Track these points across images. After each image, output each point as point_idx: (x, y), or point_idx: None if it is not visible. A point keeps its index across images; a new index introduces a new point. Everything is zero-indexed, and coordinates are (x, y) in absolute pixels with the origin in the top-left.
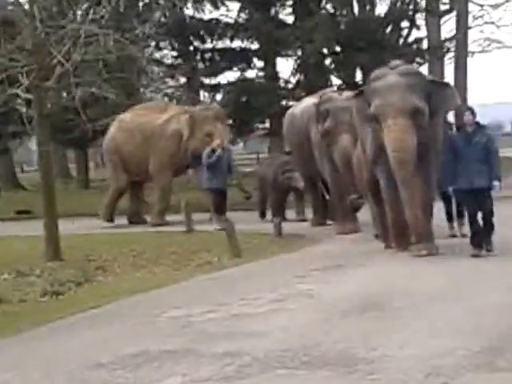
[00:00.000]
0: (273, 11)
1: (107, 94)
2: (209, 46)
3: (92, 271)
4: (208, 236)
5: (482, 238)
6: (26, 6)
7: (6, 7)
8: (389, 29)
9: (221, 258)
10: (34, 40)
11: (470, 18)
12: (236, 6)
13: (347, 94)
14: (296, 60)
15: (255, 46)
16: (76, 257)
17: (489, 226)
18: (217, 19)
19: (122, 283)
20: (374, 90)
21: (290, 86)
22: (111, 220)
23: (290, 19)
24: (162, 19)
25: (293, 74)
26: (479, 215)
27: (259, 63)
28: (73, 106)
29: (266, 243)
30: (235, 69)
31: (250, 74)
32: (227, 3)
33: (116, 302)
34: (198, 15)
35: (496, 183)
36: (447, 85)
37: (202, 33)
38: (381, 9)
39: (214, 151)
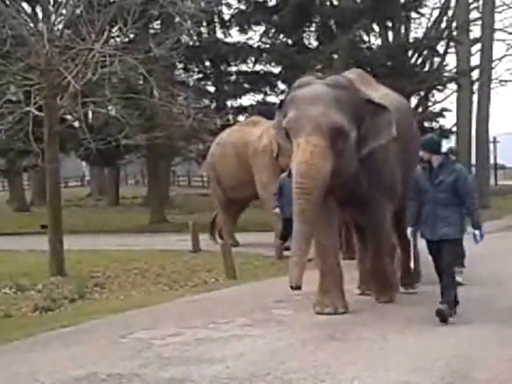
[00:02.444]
0: (296, 36)
1: (116, 114)
2: (234, 68)
3: (90, 288)
4: (212, 256)
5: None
6: (41, 24)
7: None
8: (410, 55)
9: (218, 278)
10: (44, 59)
11: (504, 47)
12: (261, 30)
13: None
14: None
15: (278, 69)
16: (80, 272)
17: (448, 283)
18: (242, 42)
19: (111, 301)
20: (291, 100)
21: None
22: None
23: (314, 44)
24: (185, 40)
25: None
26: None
27: (282, 86)
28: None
29: (266, 265)
30: (258, 91)
31: (274, 96)
32: (254, 27)
33: (91, 321)
34: (224, 38)
35: (476, 232)
36: (385, 108)
37: (227, 55)
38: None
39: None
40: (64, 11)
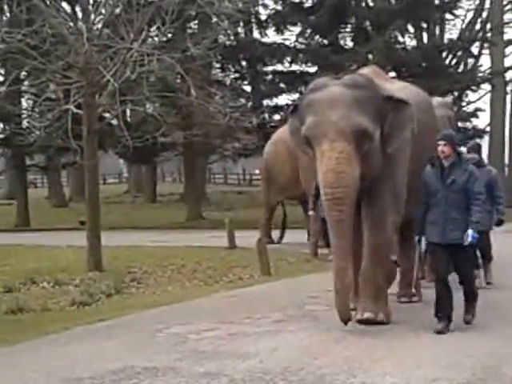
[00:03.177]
0: (332, 36)
1: (153, 112)
2: (270, 68)
3: (127, 283)
4: (247, 253)
5: (448, 308)
6: (80, 23)
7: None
8: (444, 56)
9: (253, 275)
10: (84, 58)
11: None
12: (297, 31)
13: (436, 99)
14: None
15: (313, 69)
16: (117, 268)
17: (469, 295)
18: (278, 43)
19: (148, 296)
20: (308, 105)
21: None
22: (269, 237)
23: (350, 44)
24: (222, 40)
25: None
26: (452, 278)
27: None
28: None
29: (301, 262)
30: (294, 91)
31: None
32: (290, 28)
33: (127, 315)
34: (261, 38)
35: (470, 232)
36: (405, 103)
37: (264, 55)
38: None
39: None
40: (103, 11)
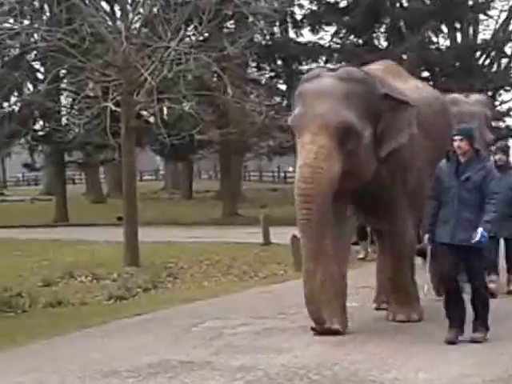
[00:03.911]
0: (366, 36)
1: (190, 110)
2: (305, 67)
3: (163, 278)
4: (281, 249)
5: (460, 316)
6: (119, 22)
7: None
8: (478, 56)
9: (287, 271)
10: (122, 57)
11: None
12: (332, 30)
13: (475, 96)
14: None
15: None
16: (154, 263)
17: (480, 302)
18: (313, 42)
19: (184, 291)
20: (298, 96)
21: None
22: None
23: (384, 44)
24: (258, 40)
25: None
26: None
27: None
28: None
29: None
30: None
31: None
32: (325, 28)
33: (164, 310)
34: (296, 38)
35: (479, 230)
36: (405, 103)
37: (299, 55)
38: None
39: None
40: (141, 10)
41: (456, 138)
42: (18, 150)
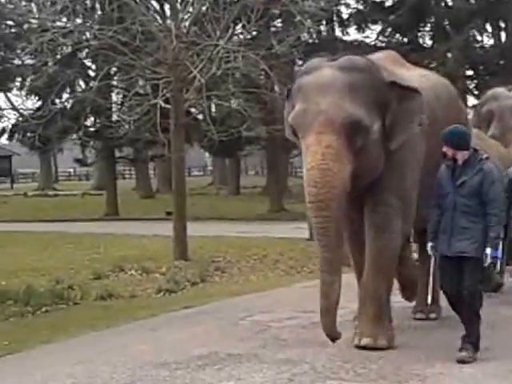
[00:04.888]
0: (411, 35)
1: (238, 107)
2: None
3: (211, 272)
4: None
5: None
6: (169, 21)
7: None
8: None
9: None
10: (172, 54)
11: None
12: (378, 29)
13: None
14: None
15: None
16: (202, 257)
17: (470, 314)
18: (359, 40)
19: (231, 285)
20: (298, 90)
21: None
22: None
23: (429, 43)
24: (304, 38)
25: None
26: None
27: None
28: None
29: None
30: None
31: None
32: (371, 26)
33: (212, 303)
34: (342, 37)
35: (488, 251)
36: (414, 91)
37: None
38: None
39: None
40: (191, 9)
41: (445, 149)
42: (69, 146)
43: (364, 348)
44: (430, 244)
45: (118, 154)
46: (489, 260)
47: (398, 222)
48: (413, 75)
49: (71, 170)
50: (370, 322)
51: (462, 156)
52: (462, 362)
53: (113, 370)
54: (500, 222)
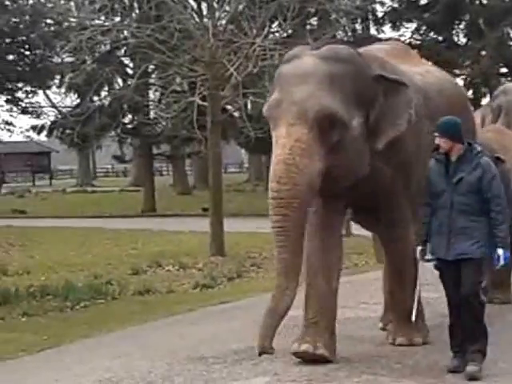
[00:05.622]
0: (446, 33)
1: None
2: None
3: (247, 267)
4: (363, 240)
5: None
6: (206, 19)
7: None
8: None
9: (368, 261)
10: (209, 52)
11: None
12: (412, 27)
13: None
14: (465, 79)
15: None
16: (238, 253)
17: (471, 318)
18: (394, 38)
19: (267, 280)
20: (277, 80)
21: None
22: None
23: (463, 41)
24: (340, 36)
25: None
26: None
27: None
28: (256, 114)
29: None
30: None
31: None
32: (405, 24)
33: (248, 298)
34: (377, 35)
35: (500, 252)
36: (402, 84)
37: None
38: None
39: None
40: (228, 7)
41: (436, 134)
42: (107, 143)
43: (400, 345)
44: (419, 248)
45: (155, 150)
46: (502, 262)
47: (411, 227)
48: (417, 71)
49: (109, 167)
50: (402, 327)
51: (457, 150)
52: (472, 378)
53: (150, 365)
54: (506, 219)
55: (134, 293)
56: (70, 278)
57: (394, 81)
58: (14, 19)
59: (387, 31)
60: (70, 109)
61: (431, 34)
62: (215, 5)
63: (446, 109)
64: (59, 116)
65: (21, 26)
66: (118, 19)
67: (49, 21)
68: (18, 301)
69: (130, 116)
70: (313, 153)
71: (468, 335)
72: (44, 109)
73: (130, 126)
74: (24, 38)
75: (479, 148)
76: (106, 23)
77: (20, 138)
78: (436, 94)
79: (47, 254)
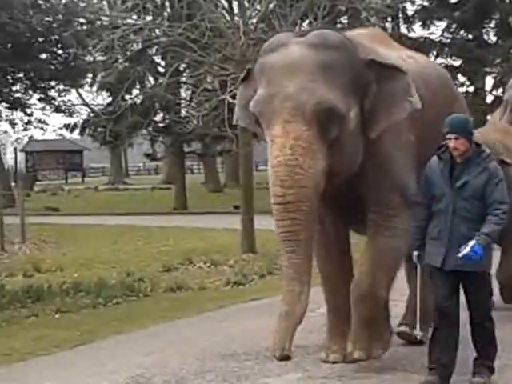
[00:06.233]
0: (476, 31)
1: None
2: None
3: (279, 265)
4: None
5: (446, 357)
6: (237, 18)
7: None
8: None
9: None
10: (240, 51)
11: None
12: (443, 25)
13: None
14: (495, 77)
15: (458, 62)
16: (269, 250)
17: (484, 339)
18: (424, 37)
19: None
20: (261, 71)
21: (489, 101)
22: None
23: (493, 39)
24: None
25: (491, 91)
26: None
27: (462, 78)
28: None
29: None
30: None
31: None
32: (436, 23)
33: (279, 295)
34: (407, 33)
35: (470, 243)
36: (398, 70)
37: (410, 49)
38: None
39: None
40: (258, 6)
41: (450, 136)
42: (139, 141)
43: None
44: (415, 253)
45: (186, 148)
46: (466, 250)
47: (405, 219)
48: (398, 55)
49: (141, 165)
50: (363, 327)
51: (467, 151)
52: None
53: (182, 361)
54: (499, 223)
55: (165, 290)
56: (102, 275)
57: (387, 65)
58: (47, 18)
59: (417, 30)
60: (102, 107)
61: (461, 32)
62: (246, 3)
63: (429, 98)
64: (91, 114)
65: (54, 25)
66: (149, 18)
67: (81, 20)
68: (51, 297)
69: (161, 114)
70: (315, 151)
71: (479, 352)
72: (76, 107)
73: (161, 125)
74: (57, 37)
75: (488, 151)
76: (138, 22)
77: (53, 137)
78: (420, 81)
79: (80, 251)
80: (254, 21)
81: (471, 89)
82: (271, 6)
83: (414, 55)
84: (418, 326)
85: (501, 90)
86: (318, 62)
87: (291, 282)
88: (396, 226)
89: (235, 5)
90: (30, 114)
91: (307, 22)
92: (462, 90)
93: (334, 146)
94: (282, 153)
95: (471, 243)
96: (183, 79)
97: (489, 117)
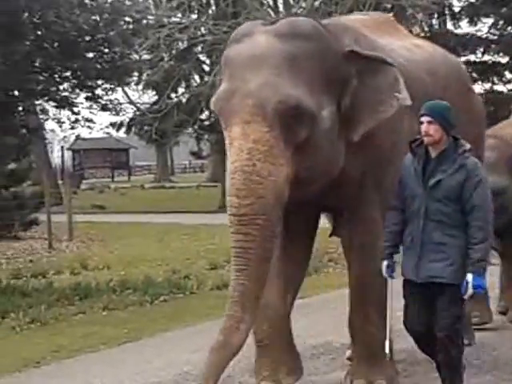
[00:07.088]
0: None
1: None
2: (462, 58)
3: (325, 263)
4: None
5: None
6: (282, 16)
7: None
8: None
9: None
10: None
11: None
12: (489, 22)
13: None
14: None
15: (505, 59)
16: (315, 248)
17: (449, 367)
18: (471, 34)
19: (344, 276)
20: (224, 64)
21: None
22: None
23: None
24: (416, 31)
25: None
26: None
27: (509, 75)
28: None
29: None
30: (486, 81)
31: (501, 85)
32: (483, 19)
33: (324, 294)
34: (454, 30)
35: (469, 277)
36: (382, 62)
37: (456, 46)
38: None
39: None
40: (304, 4)
41: (423, 119)
42: (185, 139)
43: None
44: (385, 263)
45: None
46: (470, 291)
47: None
48: (402, 44)
49: (187, 163)
50: (364, 363)
51: (442, 144)
52: None
53: None
54: (486, 237)
55: (211, 287)
56: (149, 273)
57: (369, 57)
58: (93, 17)
59: (464, 26)
60: (148, 105)
61: (509, 28)
62: (291, 1)
63: (438, 92)
64: (137, 113)
65: (100, 24)
66: (195, 16)
67: (127, 19)
68: (98, 295)
69: (207, 113)
70: (276, 155)
71: (442, 375)
72: (123, 106)
73: (206, 123)
74: (103, 35)
75: (467, 145)
76: (184, 21)
77: (99, 135)
78: (426, 71)
79: (126, 248)
80: None
81: None
82: (316, 3)
83: (422, 44)
84: (387, 344)
85: None
86: (286, 53)
87: (233, 307)
88: (379, 247)
89: (280, 2)
90: (77, 113)
91: None
92: (510, 87)
93: (303, 150)
94: (239, 157)
95: (470, 279)
96: None
97: None
